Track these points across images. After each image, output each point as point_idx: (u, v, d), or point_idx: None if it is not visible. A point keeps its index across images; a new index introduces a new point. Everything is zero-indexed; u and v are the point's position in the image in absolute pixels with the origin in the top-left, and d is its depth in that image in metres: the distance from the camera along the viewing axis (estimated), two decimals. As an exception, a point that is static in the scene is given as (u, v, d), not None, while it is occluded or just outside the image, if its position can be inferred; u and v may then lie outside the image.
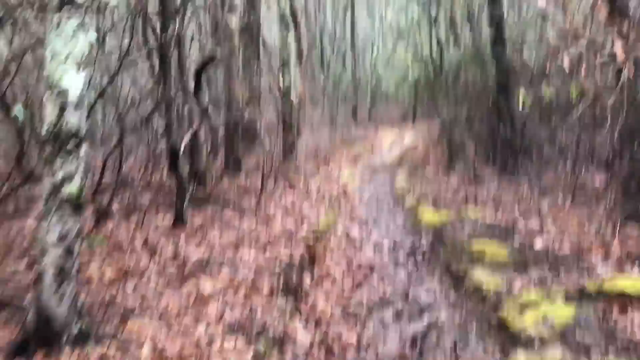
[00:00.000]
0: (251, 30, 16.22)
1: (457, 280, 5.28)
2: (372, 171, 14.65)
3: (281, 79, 13.37)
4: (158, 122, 8.64)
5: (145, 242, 5.89)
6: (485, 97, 12.69)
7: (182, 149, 6.62)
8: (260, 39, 16.93)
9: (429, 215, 7.85)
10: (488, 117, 12.59)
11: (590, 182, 8.56)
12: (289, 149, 13.19)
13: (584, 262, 5.09)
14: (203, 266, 5.14)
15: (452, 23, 13.80)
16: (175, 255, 5.48)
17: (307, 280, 5.27)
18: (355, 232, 7.41)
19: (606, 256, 5.19)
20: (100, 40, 7.08)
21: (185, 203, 6.39)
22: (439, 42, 11.62)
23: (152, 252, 5.56)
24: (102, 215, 6.38)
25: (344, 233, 7.35)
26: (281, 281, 4.87)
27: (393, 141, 23.19)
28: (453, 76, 13.73)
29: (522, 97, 6.60)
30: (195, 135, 7.83)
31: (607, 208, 6.70)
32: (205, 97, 8.15)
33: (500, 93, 10.93)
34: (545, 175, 9.54)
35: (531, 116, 10.79)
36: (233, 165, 11.47)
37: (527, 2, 11.72)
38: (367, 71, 33.67)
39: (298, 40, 28.14)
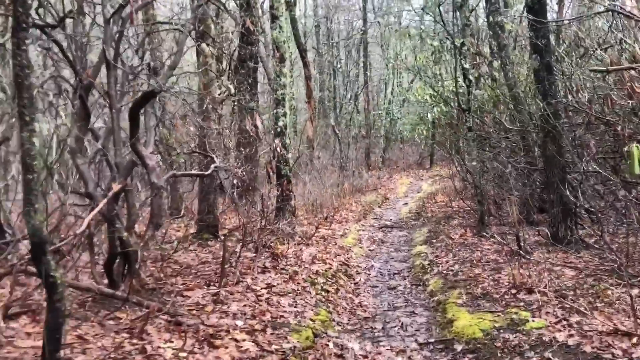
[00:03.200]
0: (247, 65, 14.22)
1: None
2: (384, 229, 12.16)
3: (276, 119, 11.07)
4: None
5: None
6: (525, 142, 10.27)
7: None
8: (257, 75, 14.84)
9: (464, 321, 5.33)
10: (529, 167, 10.12)
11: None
12: (282, 204, 10.78)
13: None
14: None
15: (479, 54, 11.51)
16: None
17: None
18: (355, 351, 4.85)
19: None
20: None
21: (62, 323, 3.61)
22: (464, 76, 9.20)
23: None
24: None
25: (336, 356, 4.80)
26: None
27: (409, 190, 20.76)
28: (481, 116, 11.33)
29: (637, 155, 4.16)
30: (125, 198, 5.46)
31: None
32: (150, 144, 5.79)
33: (548, 139, 8.48)
34: (620, 251, 7.00)
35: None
36: (208, 230, 9.09)
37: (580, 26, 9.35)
38: (382, 112, 31.51)
39: (307, 79, 26.39)
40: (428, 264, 8.22)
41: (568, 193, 7.53)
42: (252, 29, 13.98)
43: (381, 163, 27.95)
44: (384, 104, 32.69)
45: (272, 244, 7.98)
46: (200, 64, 8.73)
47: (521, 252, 7.67)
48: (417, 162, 30.58)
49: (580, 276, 6.52)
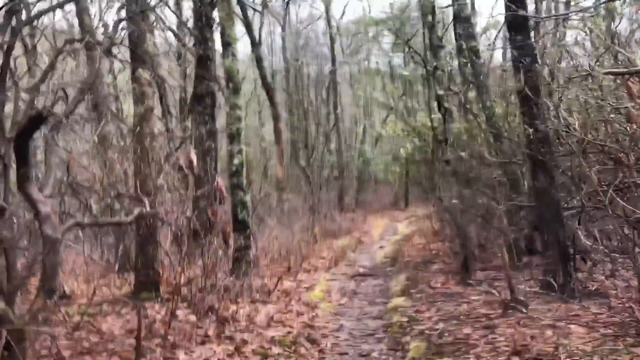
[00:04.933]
0: (204, 101, 13.09)
1: None
2: (357, 279, 10.85)
3: (230, 157, 9.83)
4: None
5: None
6: (510, 176, 9.19)
7: None
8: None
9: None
10: (516, 203, 9.01)
11: None
12: (239, 254, 9.43)
13: None
14: None
15: (452, 80, 10.52)
16: None
17: None
18: None
19: None
20: None
21: None
22: (439, 104, 8.14)
23: None
24: None
25: None
26: None
27: (384, 232, 19.56)
28: (458, 149, 10.27)
29: None
30: (5, 256, 4.12)
31: None
32: (48, 184, 4.49)
33: (539, 169, 7.38)
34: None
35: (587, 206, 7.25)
36: (147, 288, 7.68)
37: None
38: (354, 152, 30.60)
39: (276, 119, 25.31)
40: (407, 322, 6.91)
41: (571, 233, 6.38)
42: (208, 60, 12.94)
43: (355, 205, 26.84)
44: (356, 144, 31.83)
45: (217, 305, 6.61)
46: (137, 92, 7.51)
47: (516, 304, 6.45)
48: (391, 202, 29.55)
49: (592, 334, 5.31)
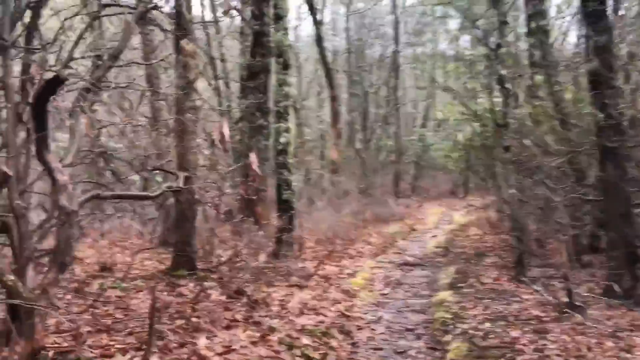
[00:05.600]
0: (258, 78, 12.81)
1: None
2: (404, 267, 10.36)
3: (277, 135, 9.52)
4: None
5: None
6: (575, 167, 8.43)
7: None
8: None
9: None
10: (580, 197, 8.25)
11: None
12: (282, 235, 9.14)
13: None
14: None
15: (518, 62, 9.75)
16: None
17: None
18: None
19: None
20: None
21: None
22: (501, 85, 7.49)
23: None
24: None
25: None
26: None
27: (438, 221, 18.87)
28: (521, 136, 9.53)
29: None
30: (17, 226, 3.93)
31: None
32: (71, 153, 4.28)
33: (608, 161, 6.65)
34: None
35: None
36: (184, 265, 7.50)
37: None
38: (413, 137, 29.75)
39: (333, 100, 24.90)
40: (451, 319, 6.41)
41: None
42: (264, 36, 12.59)
43: (411, 191, 26.13)
44: (416, 129, 30.96)
45: (249, 288, 6.31)
46: (180, 62, 7.25)
47: (573, 308, 5.83)
48: (450, 190, 28.61)
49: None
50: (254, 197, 6.38)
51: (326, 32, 28.78)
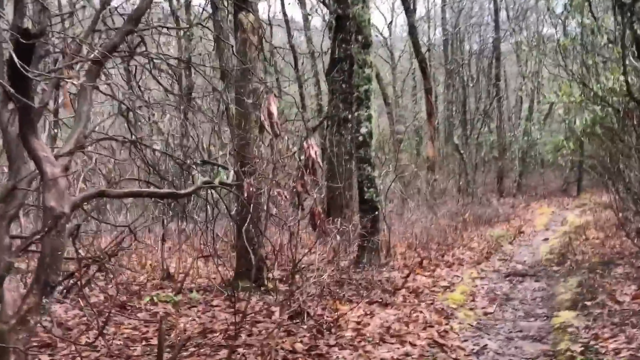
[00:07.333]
0: (341, 65, 11.87)
1: None
2: (512, 279, 8.73)
3: (357, 124, 8.25)
4: None
5: None
6: None
7: None
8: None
9: None
10: None
11: None
12: (364, 241, 7.87)
13: None
14: None
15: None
16: None
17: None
18: None
19: None
20: None
21: None
22: (638, 47, 5.77)
23: None
24: None
25: None
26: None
27: (550, 221, 16.76)
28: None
29: None
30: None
31: None
32: (73, 138, 3.30)
33: None
34: None
35: None
36: (248, 276, 6.43)
37: None
38: (518, 131, 27.43)
39: (428, 92, 23.29)
40: (581, 352, 4.84)
41: None
42: (347, 20, 11.46)
43: (516, 189, 23.89)
44: (521, 122, 28.56)
45: (313, 307, 5.09)
46: (239, 40, 6.22)
47: None
48: (560, 188, 25.97)
49: None
50: (309, 195, 5.23)
51: (420, 23, 27.24)
